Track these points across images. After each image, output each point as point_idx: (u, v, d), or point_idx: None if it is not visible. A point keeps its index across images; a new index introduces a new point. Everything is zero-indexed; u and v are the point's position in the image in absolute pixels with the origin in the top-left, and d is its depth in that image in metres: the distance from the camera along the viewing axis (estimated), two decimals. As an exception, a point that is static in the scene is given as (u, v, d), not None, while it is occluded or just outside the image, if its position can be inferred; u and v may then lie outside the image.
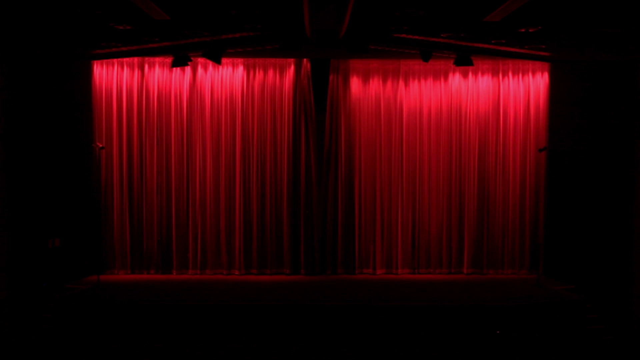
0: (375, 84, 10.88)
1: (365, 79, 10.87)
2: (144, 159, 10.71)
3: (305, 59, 10.67)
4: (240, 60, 10.74)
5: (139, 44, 9.47)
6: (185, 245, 10.74)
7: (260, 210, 10.83)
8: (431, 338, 8.49)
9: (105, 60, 10.51)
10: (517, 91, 10.88)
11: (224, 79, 10.79)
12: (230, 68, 10.77)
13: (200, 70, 10.73)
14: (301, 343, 8.35)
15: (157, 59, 10.64)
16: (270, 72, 10.81)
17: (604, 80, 10.32)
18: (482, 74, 10.86)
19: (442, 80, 10.89)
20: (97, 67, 10.57)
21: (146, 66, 10.68)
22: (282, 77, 10.82)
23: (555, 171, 10.59)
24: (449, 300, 9.09)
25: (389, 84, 10.88)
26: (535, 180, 10.82)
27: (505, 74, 10.86)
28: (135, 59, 10.63)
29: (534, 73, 10.84)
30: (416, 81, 10.91)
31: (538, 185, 10.82)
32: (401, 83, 10.86)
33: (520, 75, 10.85)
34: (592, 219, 10.33)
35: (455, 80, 10.87)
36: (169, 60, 10.30)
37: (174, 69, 10.53)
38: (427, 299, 9.19)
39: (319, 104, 10.81)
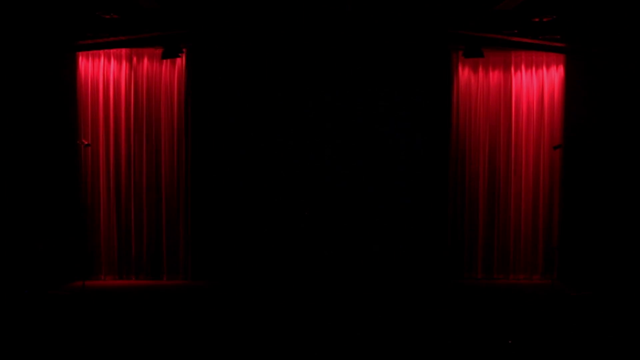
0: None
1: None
2: (132, 156, 10.64)
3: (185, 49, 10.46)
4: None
5: (127, 34, 9.47)
6: (177, 249, 10.73)
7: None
8: (436, 346, 8.45)
9: (90, 52, 10.42)
10: (530, 85, 10.84)
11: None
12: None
13: (192, 62, 10.71)
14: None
15: (146, 51, 10.54)
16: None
17: (624, 74, 10.22)
18: (493, 67, 10.83)
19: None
20: (82, 59, 10.49)
21: (134, 58, 10.60)
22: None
23: (571, 170, 10.51)
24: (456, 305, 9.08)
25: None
26: (549, 179, 10.77)
27: (517, 66, 10.82)
28: (123, 51, 10.53)
29: (548, 66, 10.77)
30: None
31: (552, 184, 10.76)
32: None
33: (534, 68, 10.81)
34: (611, 221, 10.24)
35: (464, 74, 10.85)
36: (158, 51, 10.24)
37: (164, 60, 10.51)
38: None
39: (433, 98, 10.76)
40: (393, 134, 10.79)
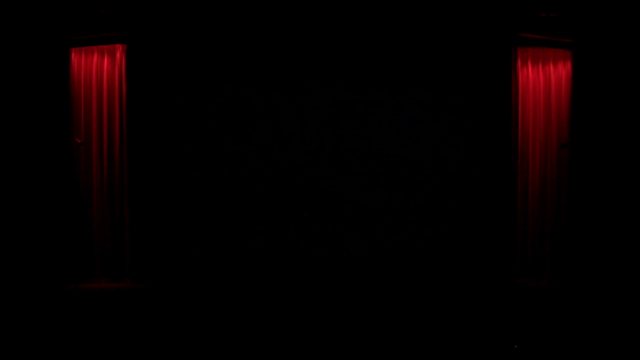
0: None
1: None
2: (127, 155, 10.61)
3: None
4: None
5: (121, 29, 9.49)
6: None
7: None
8: (439, 352, 8.45)
9: (83, 48, 10.38)
10: (537, 82, 10.81)
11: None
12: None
13: (189, 58, 10.68)
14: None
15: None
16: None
17: (633, 70, 10.19)
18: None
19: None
20: (75, 55, 10.44)
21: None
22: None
23: (579, 169, 10.45)
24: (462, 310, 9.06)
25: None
26: (557, 179, 10.71)
27: (524, 63, 10.78)
28: (118, 46, 10.51)
29: (555, 62, 10.74)
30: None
31: (560, 185, 10.68)
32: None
33: (540, 64, 10.77)
34: (622, 223, 10.19)
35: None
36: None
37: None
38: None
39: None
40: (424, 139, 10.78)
